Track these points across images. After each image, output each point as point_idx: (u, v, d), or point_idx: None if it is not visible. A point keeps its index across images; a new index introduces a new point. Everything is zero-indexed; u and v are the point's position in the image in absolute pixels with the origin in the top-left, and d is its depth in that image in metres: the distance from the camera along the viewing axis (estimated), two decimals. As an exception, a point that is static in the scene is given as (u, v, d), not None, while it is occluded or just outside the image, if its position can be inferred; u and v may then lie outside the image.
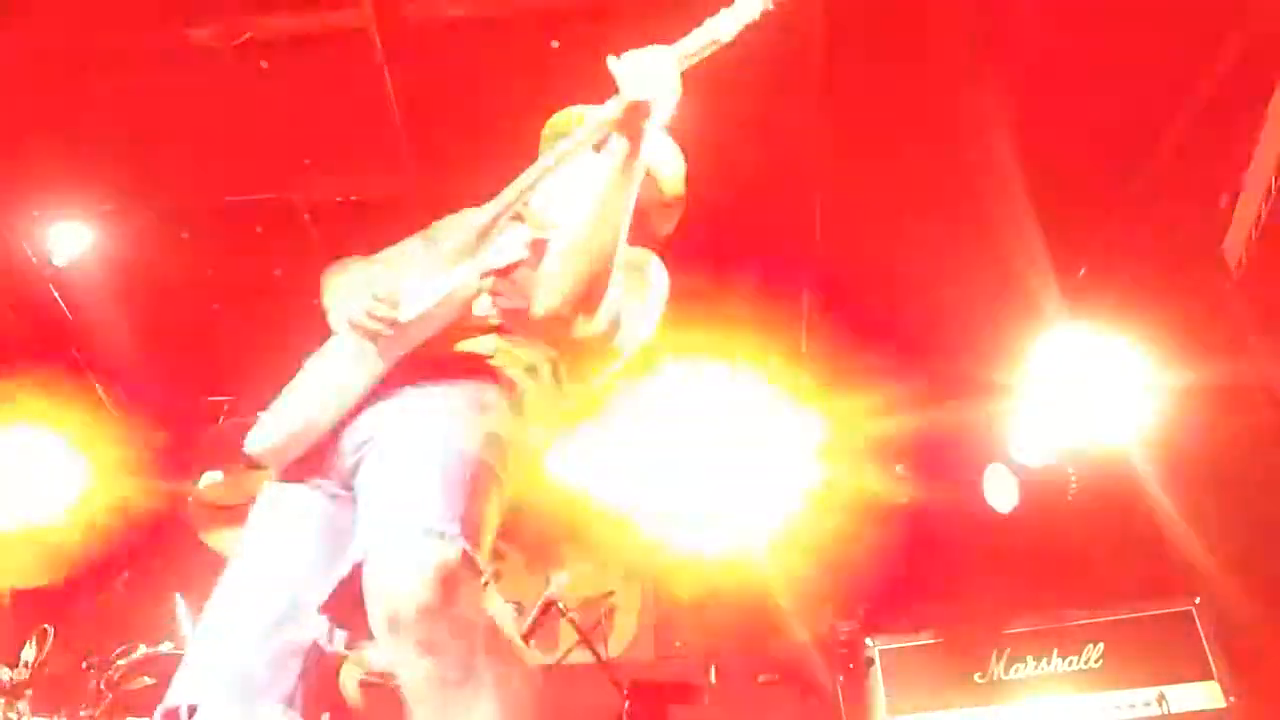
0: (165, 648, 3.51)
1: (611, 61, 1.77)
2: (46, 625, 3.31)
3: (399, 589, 1.41)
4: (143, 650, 3.48)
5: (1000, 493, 4.67)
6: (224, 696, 1.65)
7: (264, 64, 3.35)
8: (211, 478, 3.96)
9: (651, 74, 1.76)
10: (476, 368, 1.81)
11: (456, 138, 3.62)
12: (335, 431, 1.79)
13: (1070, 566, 4.45)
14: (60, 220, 3.94)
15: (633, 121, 1.78)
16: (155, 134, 3.63)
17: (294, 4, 3.26)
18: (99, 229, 3.97)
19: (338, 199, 4.00)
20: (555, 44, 3.11)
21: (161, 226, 4.06)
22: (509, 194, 1.85)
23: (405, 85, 3.43)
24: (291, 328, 4.62)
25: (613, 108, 1.80)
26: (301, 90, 3.51)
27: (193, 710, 1.66)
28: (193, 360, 4.60)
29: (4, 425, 4.55)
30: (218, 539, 3.70)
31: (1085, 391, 4.15)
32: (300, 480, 1.83)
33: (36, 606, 3.90)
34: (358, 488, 1.71)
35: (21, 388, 4.46)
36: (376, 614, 1.43)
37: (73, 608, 5.28)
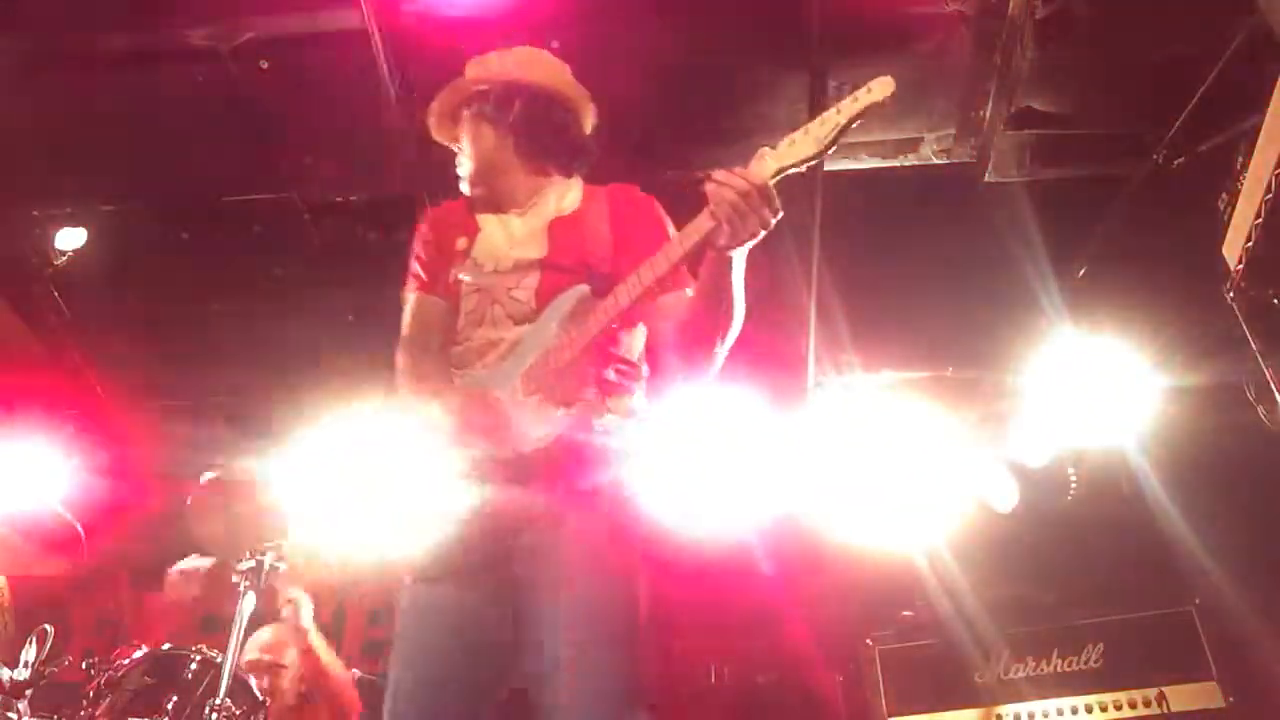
0: (165, 647, 3.50)
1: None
2: (46, 625, 3.31)
3: None
4: (143, 650, 3.48)
5: (1000, 493, 4.67)
6: None
7: (264, 64, 3.35)
8: (209, 477, 3.95)
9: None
10: None
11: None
12: None
13: (1070, 566, 4.46)
14: (60, 220, 3.94)
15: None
16: (155, 134, 3.63)
17: (294, 4, 3.26)
18: (99, 229, 3.97)
19: (338, 199, 4.00)
20: (555, 44, 3.11)
21: (161, 226, 4.06)
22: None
23: (405, 85, 3.42)
24: (291, 328, 4.67)
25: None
26: (301, 90, 3.51)
27: None
28: (193, 360, 4.60)
29: (3, 424, 4.55)
30: (212, 538, 3.69)
31: (1085, 391, 4.16)
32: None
33: (37, 606, 3.89)
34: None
35: (21, 387, 4.45)
36: None
37: (73, 608, 5.30)
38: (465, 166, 2.33)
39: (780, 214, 1.84)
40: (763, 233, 1.86)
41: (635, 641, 1.87)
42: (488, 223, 2.28)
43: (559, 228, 2.20)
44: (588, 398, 2.05)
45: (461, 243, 2.24)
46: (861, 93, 1.77)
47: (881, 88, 1.76)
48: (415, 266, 2.33)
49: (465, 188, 2.34)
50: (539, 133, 2.27)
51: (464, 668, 1.95)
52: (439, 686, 1.94)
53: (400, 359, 2.26)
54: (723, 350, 2.10)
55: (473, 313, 2.17)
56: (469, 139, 2.32)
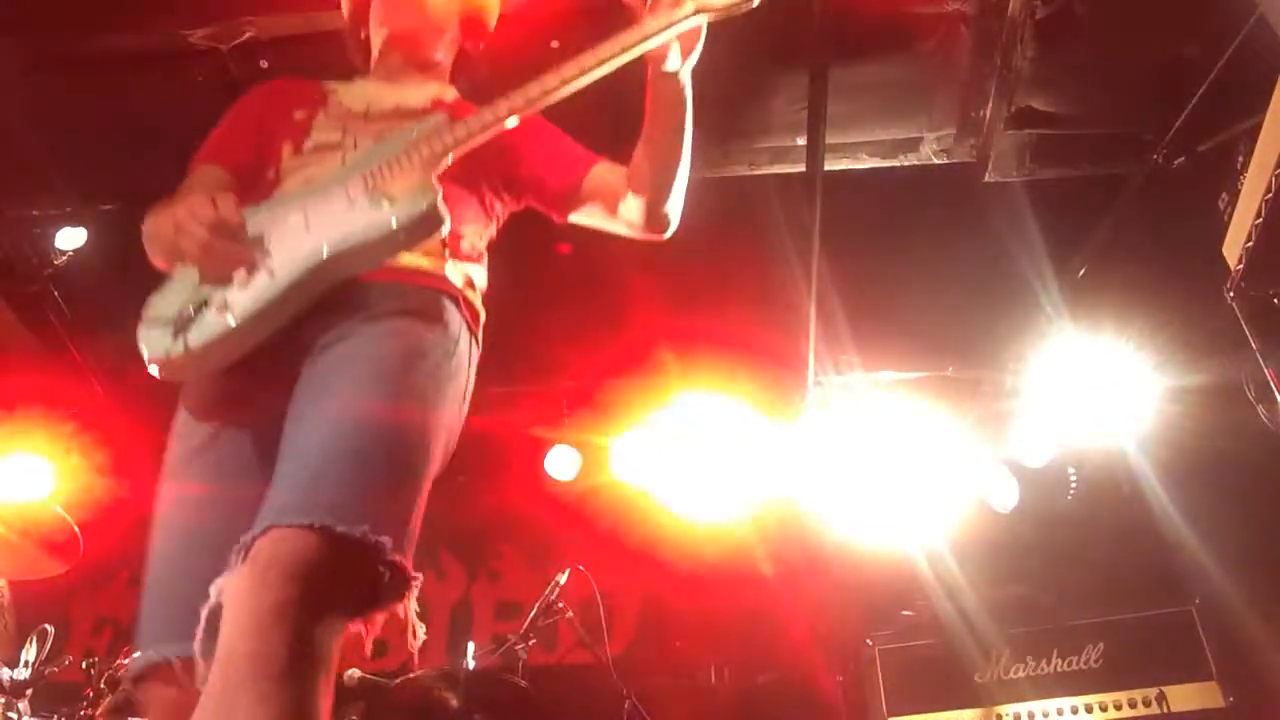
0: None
1: None
2: (46, 625, 3.31)
3: None
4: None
5: (1000, 493, 4.67)
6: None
7: (264, 64, 3.35)
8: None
9: None
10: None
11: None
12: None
13: (1070, 566, 4.46)
14: (60, 220, 3.94)
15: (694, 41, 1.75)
16: (155, 134, 3.63)
17: (294, 4, 3.25)
18: (99, 229, 3.97)
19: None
20: (555, 44, 3.11)
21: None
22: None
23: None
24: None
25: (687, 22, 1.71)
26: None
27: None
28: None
29: (3, 424, 4.55)
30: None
31: (1085, 391, 4.16)
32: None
33: (37, 606, 3.89)
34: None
35: (21, 387, 4.45)
36: None
37: (73, 608, 5.30)
38: (381, 31, 2.09)
39: None
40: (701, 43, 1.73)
41: (389, 461, 1.53)
42: (353, 85, 2.06)
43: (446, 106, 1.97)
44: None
45: (299, 114, 1.95)
46: None
47: None
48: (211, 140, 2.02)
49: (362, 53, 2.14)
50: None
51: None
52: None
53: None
54: (677, 204, 1.91)
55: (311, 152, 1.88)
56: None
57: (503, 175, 2.00)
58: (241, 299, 1.63)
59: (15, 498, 4.23)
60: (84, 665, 3.38)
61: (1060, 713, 3.89)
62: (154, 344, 1.65)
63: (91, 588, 5.30)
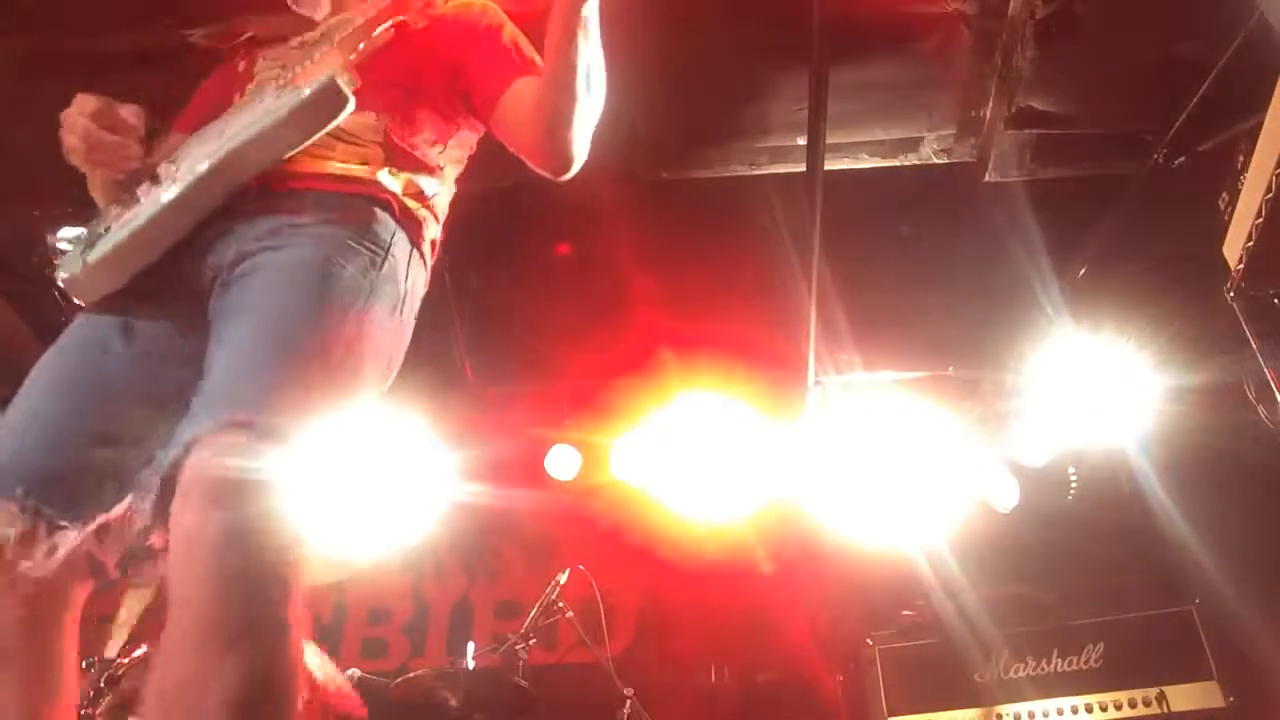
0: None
1: None
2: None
3: None
4: (143, 650, 3.48)
5: (1000, 493, 4.67)
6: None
7: (264, 64, 3.34)
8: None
9: None
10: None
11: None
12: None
13: (1070, 566, 4.46)
14: (60, 220, 3.94)
15: None
16: (155, 134, 3.62)
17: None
18: (99, 229, 3.97)
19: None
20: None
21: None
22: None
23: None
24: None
25: None
26: (301, 90, 3.50)
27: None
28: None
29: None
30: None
31: (1085, 391, 4.16)
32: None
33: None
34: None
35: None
36: None
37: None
38: None
39: None
40: None
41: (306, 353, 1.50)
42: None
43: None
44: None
45: (242, 65, 1.99)
46: None
47: None
48: None
49: None
50: None
51: None
52: None
53: None
54: (584, 134, 1.80)
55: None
56: None
57: (445, 81, 1.95)
58: (142, 209, 1.64)
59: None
60: (84, 665, 3.38)
61: (1060, 713, 3.89)
62: (65, 265, 1.68)
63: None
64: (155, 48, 3.32)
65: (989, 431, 4.67)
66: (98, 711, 3.24)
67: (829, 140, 3.52)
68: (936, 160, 3.76)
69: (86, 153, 1.67)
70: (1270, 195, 2.66)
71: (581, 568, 4.09)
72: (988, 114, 3.53)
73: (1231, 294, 2.94)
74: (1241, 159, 2.97)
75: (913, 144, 3.73)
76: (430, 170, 1.89)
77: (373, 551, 4.81)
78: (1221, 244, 2.98)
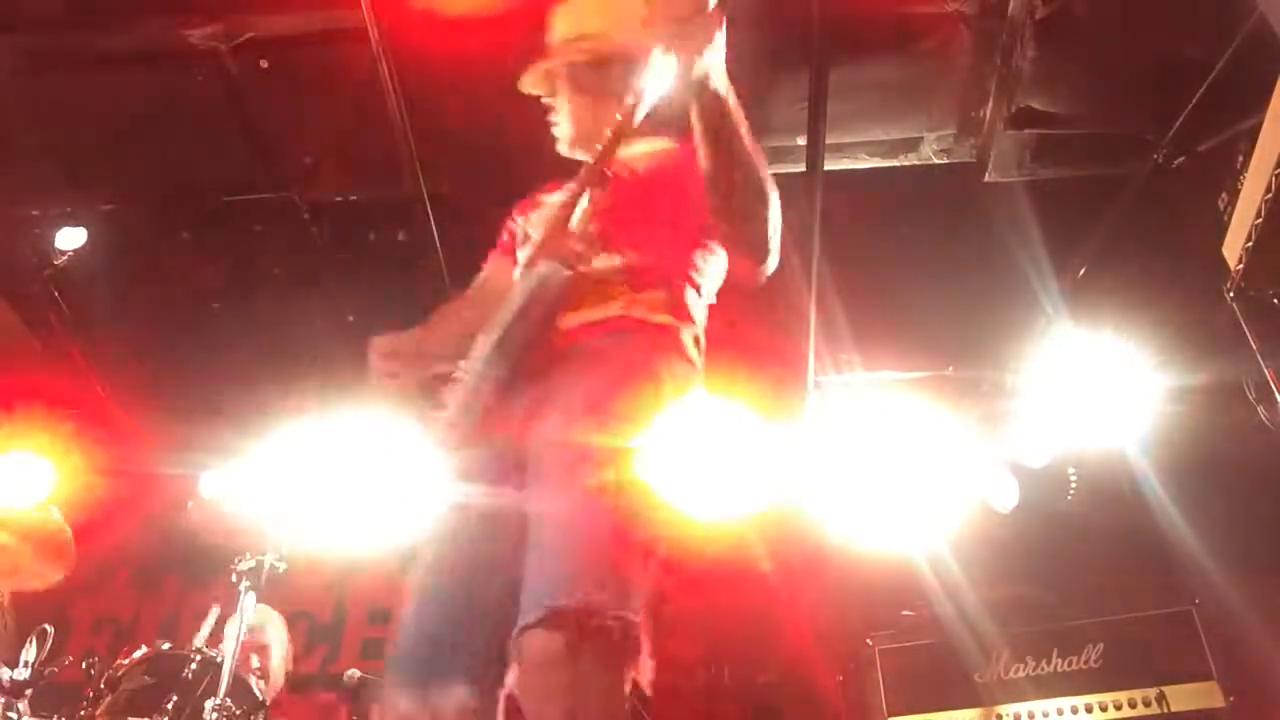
0: (165, 647, 3.50)
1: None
2: (46, 625, 3.31)
3: None
4: (143, 650, 3.48)
5: (1000, 493, 4.67)
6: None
7: (264, 64, 3.35)
8: (211, 479, 3.96)
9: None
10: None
11: (456, 137, 3.63)
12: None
13: (1070, 566, 4.46)
14: (60, 220, 3.94)
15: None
16: (155, 134, 3.63)
17: (294, 4, 3.26)
18: (99, 229, 3.97)
19: (338, 199, 4.00)
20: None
21: (161, 226, 4.06)
22: None
23: (405, 85, 3.42)
24: (291, 327, 4.66)
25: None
26: (301, 90, 3.51)
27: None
28: (193, 360, 4.60)
29: (3, 424, 4.55)
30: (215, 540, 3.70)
31: (1085, 391, 4.16)
32: None
33: (37, 606, 3.89)
34: None
35: (21, 387, 4.45)
36: None
37: (73, 608, 5.30)
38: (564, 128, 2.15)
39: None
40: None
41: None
42: None
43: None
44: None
45: (521, 225, 2.14)
46: None
47: None
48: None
49: (563, 148, 2.16)
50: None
51: None
52: None
53: None
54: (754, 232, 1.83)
55: None
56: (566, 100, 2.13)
57: (671, 215, 2.04)
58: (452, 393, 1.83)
59: (13, 499, 4.23)
60: (84, 665, 3.38)
61: (1060, 713, 3.89)
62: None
63: (91, 588, 5.29)
64: (155, 48, 3.33)
65: (989, 432, 4.67)
66: (98, 711, 3.24)
67: (829, 140, 3.53)
68: (936, 160, 3.76)
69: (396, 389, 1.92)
70: (1270, 195, 2.66)
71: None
72: (987, 114, 3.53)
73: (1231, 294, 2.94)
74: (1241, 159, 2.97)
75: (912, 144, 3.73)
76: (678, 290, 2.19)
77: (372, 551, 4.81)
78: (1221, 244, 2.98)
